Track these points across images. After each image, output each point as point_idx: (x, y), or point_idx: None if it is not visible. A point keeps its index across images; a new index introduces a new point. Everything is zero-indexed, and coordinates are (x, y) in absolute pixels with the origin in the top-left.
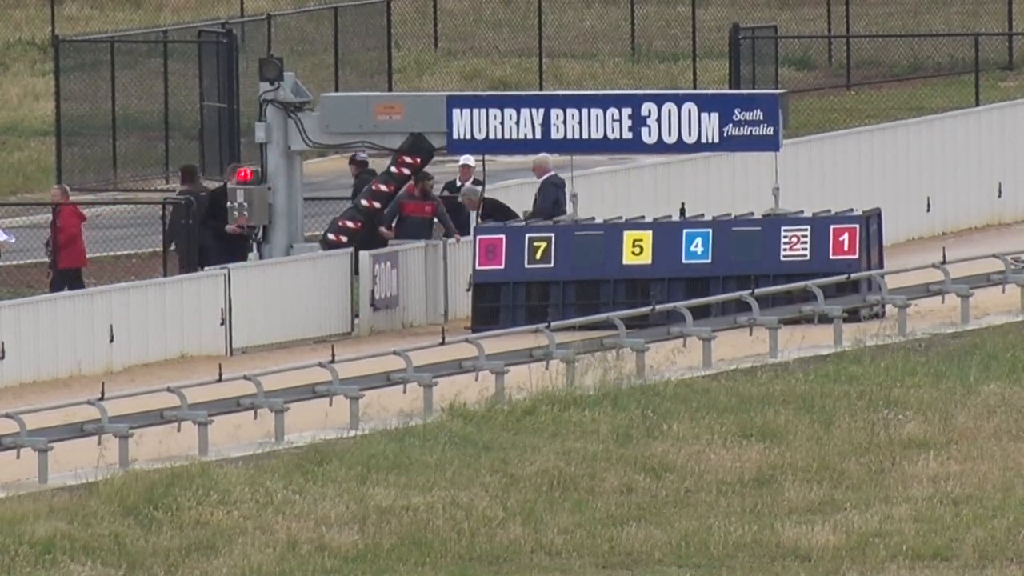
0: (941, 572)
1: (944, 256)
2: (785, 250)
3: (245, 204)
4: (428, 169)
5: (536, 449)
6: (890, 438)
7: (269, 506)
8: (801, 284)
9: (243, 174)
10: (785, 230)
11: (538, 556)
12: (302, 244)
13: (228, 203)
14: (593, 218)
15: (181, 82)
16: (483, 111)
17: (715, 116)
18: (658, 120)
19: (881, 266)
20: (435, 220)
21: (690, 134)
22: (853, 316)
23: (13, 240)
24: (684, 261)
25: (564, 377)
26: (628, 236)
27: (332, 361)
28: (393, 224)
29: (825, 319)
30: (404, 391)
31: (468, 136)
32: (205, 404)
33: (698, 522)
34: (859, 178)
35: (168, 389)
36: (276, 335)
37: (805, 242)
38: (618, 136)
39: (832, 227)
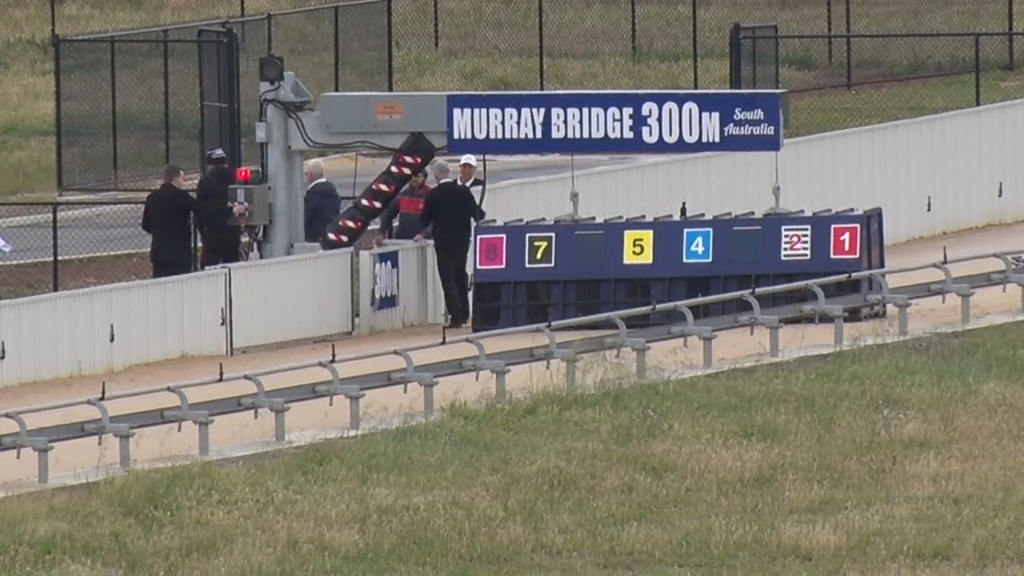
0: (942, 571)
1: (945, 256)
2: (786, 249)
3: (245, 204)
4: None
5: (537, 448)
6: (891, 437)
7: (269, 506)
8: (802, 283)
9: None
10: (786, 230)
11: (539, 556)
12: (302, 244)
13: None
14: (594, 218)
15: (181, 82)
16: (484, 111)
17: (716, 116)
18: (659, 120)
19: (882, 265)
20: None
21: (691, 134)
22: (854, 315)
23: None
24: (685, 261)
25: (565, 376)
26: (629, 236)
27: (332, 360)
28: (394, 223)
29: (826, 318)
30: (405, 390)
31: (468, 136)
32: (206, 404)
33: (699, 521)
34: (859, 178)
35: (168, 389)
36: (276, 335)
37: (806, 241)
38: (619, 136)
39: (833, 227)
